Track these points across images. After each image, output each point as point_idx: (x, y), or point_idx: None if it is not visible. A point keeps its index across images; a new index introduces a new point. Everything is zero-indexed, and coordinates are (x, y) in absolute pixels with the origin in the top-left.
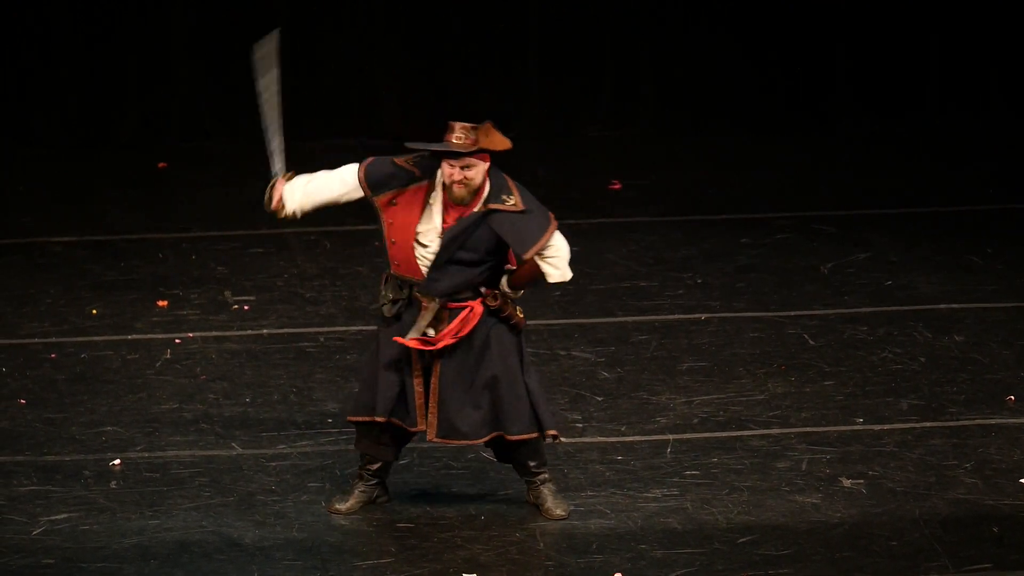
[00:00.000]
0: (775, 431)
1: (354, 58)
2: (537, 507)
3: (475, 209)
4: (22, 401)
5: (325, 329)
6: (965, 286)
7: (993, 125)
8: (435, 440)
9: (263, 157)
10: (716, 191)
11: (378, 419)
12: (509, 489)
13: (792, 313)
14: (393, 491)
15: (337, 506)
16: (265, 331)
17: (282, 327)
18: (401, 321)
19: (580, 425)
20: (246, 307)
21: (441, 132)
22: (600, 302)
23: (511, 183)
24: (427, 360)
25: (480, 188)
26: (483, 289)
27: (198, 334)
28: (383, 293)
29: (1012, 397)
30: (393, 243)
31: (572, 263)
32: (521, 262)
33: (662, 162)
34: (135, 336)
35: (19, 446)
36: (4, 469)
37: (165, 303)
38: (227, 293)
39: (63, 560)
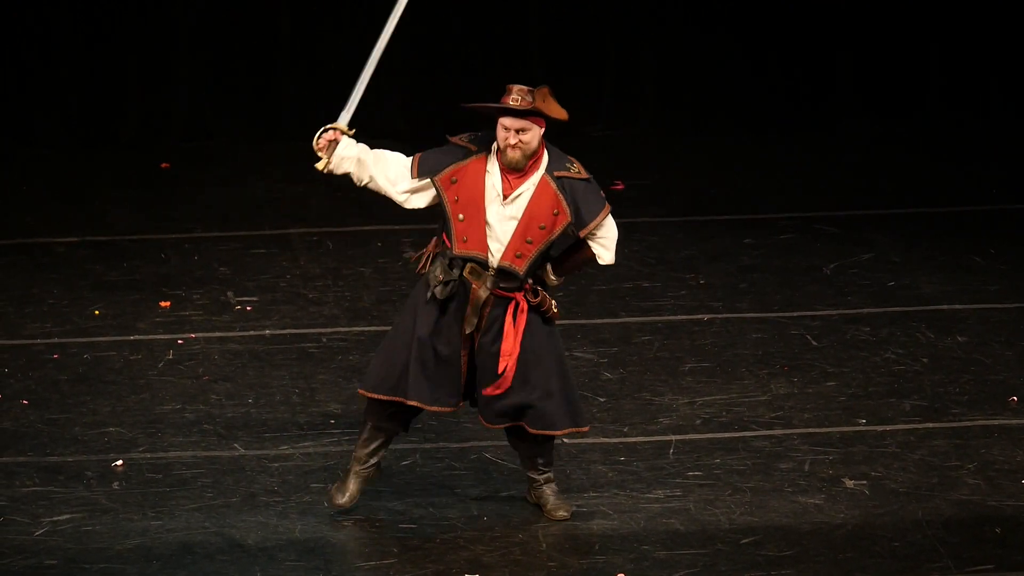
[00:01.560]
0: (778, 432)
1: (355, 58)
2: (539, 507)
3: (537, 173)
4: (24, 402)
5: (328, 330)
6: (968, 287)
7: (995, 125)
8: (464, 404)
9: (265, 157)
10: (718, 191)
11: (409, 402)
12: (512, 490)
13: (795, 314)
14: (396, 492)
15: (339, 500)
16: (268, 332)
17: (285, 328)
18: (450, 303)
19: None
20: (248, 308)
21: (498, 95)
22: (603, 303)
23: (568, 156)
24: (472, 344)
25: (536, 154)
26: (528, 282)
27: (201, 335)
28: (433, 274)
29: (1015, 398)
30: (461, 219)
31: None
32: (577, 239)
33: (664, 162)
34: (137, 337)
35: (22, 447)
36: (7, 470)
37: (167, 304)
38: (229, 294)
39: (65, 561)
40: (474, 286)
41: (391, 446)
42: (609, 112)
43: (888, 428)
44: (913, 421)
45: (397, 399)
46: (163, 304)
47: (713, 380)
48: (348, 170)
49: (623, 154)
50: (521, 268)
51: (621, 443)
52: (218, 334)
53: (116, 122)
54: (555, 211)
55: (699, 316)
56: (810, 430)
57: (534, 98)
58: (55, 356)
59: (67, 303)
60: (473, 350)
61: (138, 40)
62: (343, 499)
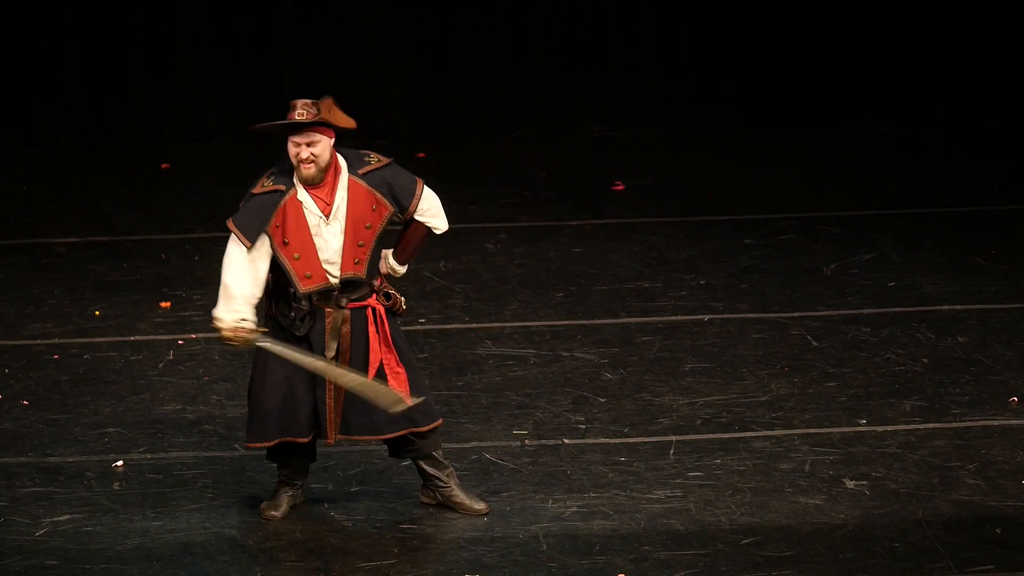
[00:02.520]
0: (778, 432)
1: (358, 58)
2: (453, 508)
3: (343, 179)
4: (25, 402)
5: None
6: (969, 287)
7: (997, 126)
8: (341, 437)
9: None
10: (719, 192)
11: (271, 443)
12: (513, 490)
13: (795, 314)
14: (396, 492)
15: (271, 512)
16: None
17: None
18: (305, 337)
19: (583, 426)
20: None
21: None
22: (603, 303)
23: (361, 151)
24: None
25: (331, 164)
26: (375, 283)
27: (201, 335)
28: (282, 315)
29: (1015, 399)
30: (297, 258)
31: (575, 264)
32: (407, 221)
33: (665, 163)
34: (138, 337)
35: (22, 447)
36: (7, 470)
37: (168, 304)
38: None
39: (66, 561)
40: (327, 311)
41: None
42: (610, 113)
43: (888, 428)
44: (914, 421)
45: (287, 440)
46: (163, 304)
47: (713, 380)
48: (257, 294)
49: (624, 154)
50: (362, 272)
51: (622, 443)
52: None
53: (117, 123)
54: (373, 206)
55: (700, 316)
56: (811, 431)
57: (319, 110)
58: (56, 356)
59: (68, 303)
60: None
61: (140, 41)
62: (276, 513)
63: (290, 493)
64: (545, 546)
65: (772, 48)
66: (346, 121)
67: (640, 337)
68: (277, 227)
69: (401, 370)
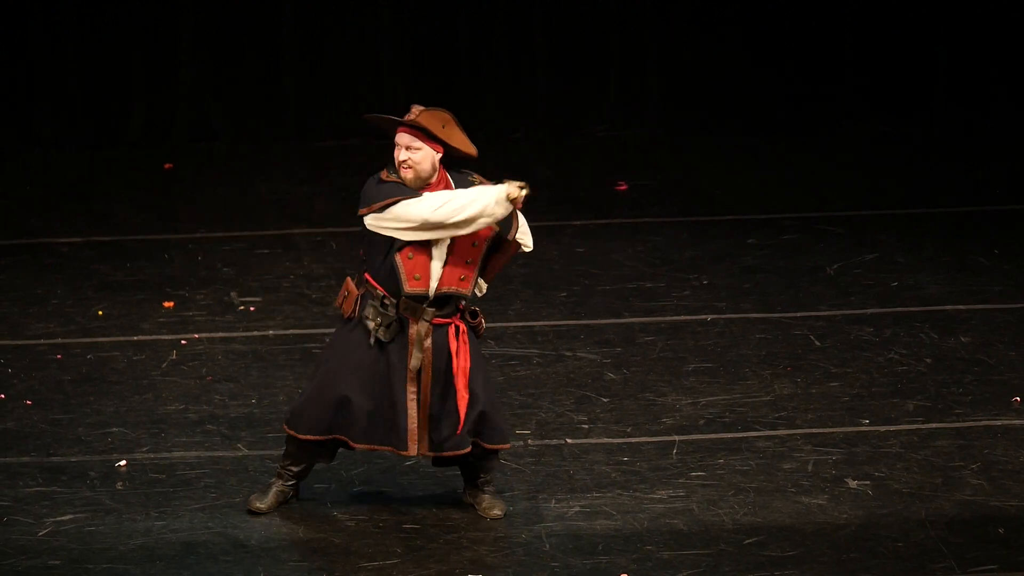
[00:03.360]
0: (781, 432)
1: (360, 58)
2: (473, 506)
3: None
4: (28, 402)
5: (331, 330)
6: (972, 287)
7: (1000, 126)
8: (427, 454)
9: (269, 158)
10: (722, 192)
11: (354, 445)
12: (515, 490)
13: (798, 314)
14: (399, 492)
15: (257, 504)
16: (271, 332)
17: (288, 328)
18: (387, 344)
19: (586, 426)
20: (252, 308)
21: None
22: (606, 303)
23: (464, 171)
24: (417, 380)
25: (436, 179)
26: (460, 304)
27: (204, 335)
28: (367, 318)
29: (1018, 398)
30: (410, 258)
31: (578, 264)
32: (509, 239)
33: (668, 163)
34: (141, 337)
35: (25, 447)
36: (10, 470)
37: (171, 304)
38: (233, 294)
39: (69, 561)
40: (411, 322)
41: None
42: (613, 113)
43: (891, 428)
44: (916, 421)
45: (335, 437)
46: (167, 304)
47: (716, 380)
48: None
49: (627, 155)
50: (467, 289)
51: (624, 443)
52: (222, 334)
53: (120, 123)
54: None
55: (703, 316)
56: (813, 430)
57: (433, 122)
58: (59, 356)
59: (71, 303)
60: (420, 388)
61: (142, 41)
62: (261, 505)
63: (283, 489)
64: (548, 546)
65: (774, 48)
66: (462, 143)
67: (643, 337)
68: None
69: (466, 394)
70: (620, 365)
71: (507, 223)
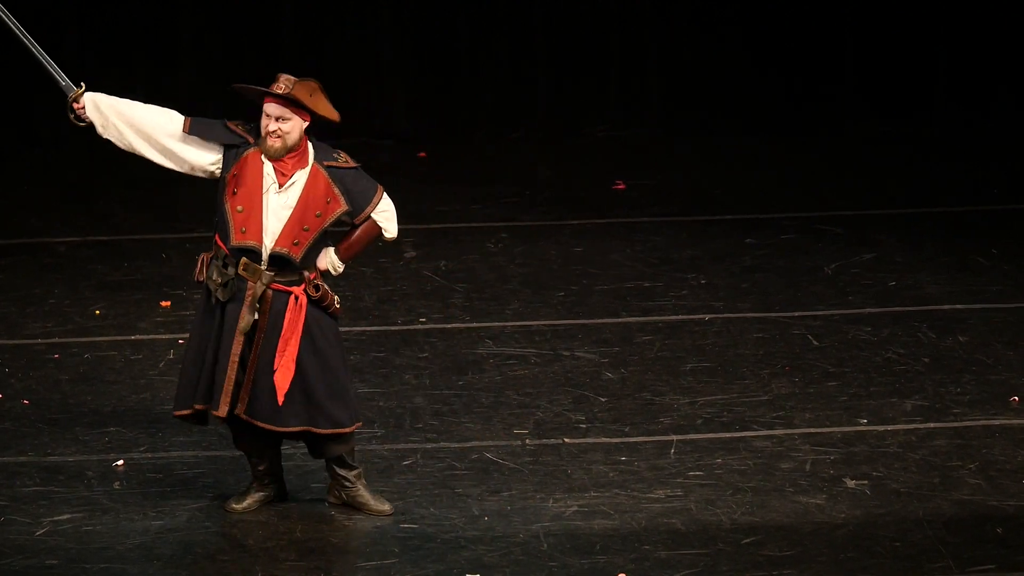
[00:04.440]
0: (779, 432)
1: (360, 58)
2: (358, 508)
3: (308, 163)
4: (26, 401)
5: None
6: (970, 287)
7: (999, 126)
8: (242, 416)
9: None
10: (721, 191)
11: (187, 411)
12: (513, 489)
13: (796, 314)
14: (397, 491)
15: (233, 505)
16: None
17: None
18: (228, 306)
19: (584, 426)
20: None
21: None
22: (604, 302)
23: (331, 147)
24: (245, 346)
25: (300, 148)
26: (307, 273)
27: None
28: (210, 279)
29: (1016, 398)
30: (240, 211)
31: (576, 264)
32: (357, 222)
33: (667, 162)
34: (139, 336)
35: (23, 446)
36: (8, 469)
37: (168, 303)
38: None
39: (66, 561)
40: (249, 283)
41: (392, 445)
42: (613, 113)
43: (889, 428)
44: (914, 421)
45: (195, 409)
46: (164, 304)
47: (714, 380)
48: (126, 130)
49: (626, 154)
50: (298, 254)
51: (622, 443)
52: None
53: None
54: (328, 199)
55: (700, 316)
56: (811, 430)
57: (303, 93)
58: (56, 356)
59: (68, 303)
60: (251, 351)
61: (140, 40)
62: (238, 506)
63: (260, 493)
64: (546, 545)
65: (774, 48)
66: (328, 111)
67: (641, 336)
68: (234, 176)
69: (291, 367)
70: (618, 365)
71: (358, 205)
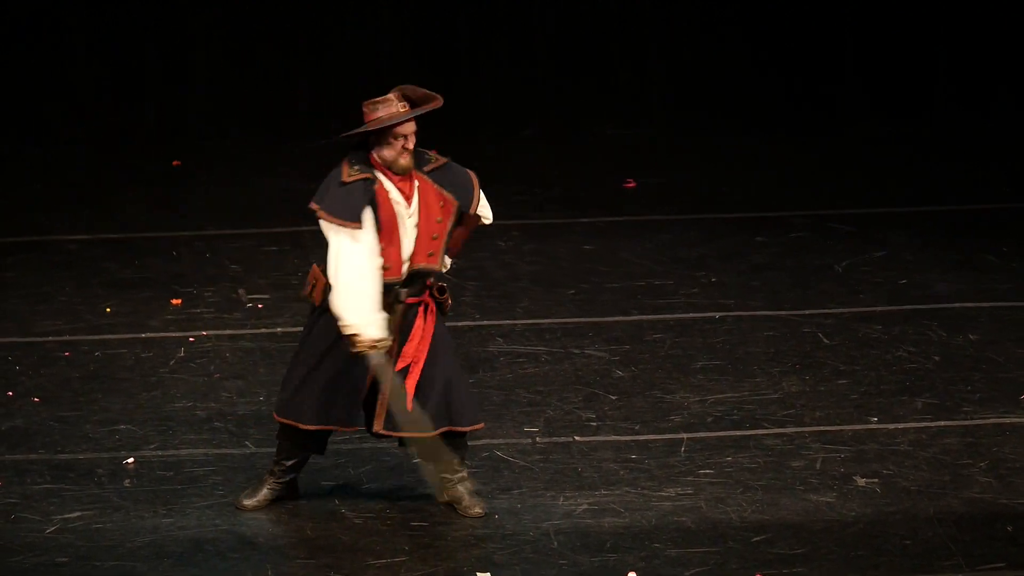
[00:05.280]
0: (789, 430)
1: (364, 58)
2: (453, 507)
3: (416, 179)
4: (36, 399)
5: None
6: (980, 285)
7: (1007, 124)
8: (381, 432)
9: (278, 155)
10: (731, 190)
11: (327, 428)
12: (523, 487)
13: (807, 312)
14: (407, 489)
15: (244, 502)
16: (279, 329)
17: (296, 325)
18: None
19: (594, 423)
20: (260, 305)
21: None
22: (615, 301)
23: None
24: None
25: None
26: (428, 280)
27: (212, 332)
28: None
29: None
30: (383, 248)
31: (586, 262)
32: (463, 218)
33: (677, 161)
34: (149, 334)
35: (33, 444)
36: (18, 467)
37: (179, 301)
38: (241, 291)
39: (77, 558)
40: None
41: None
42: (622, 111)
43: (900, 426)
44: (925, 419)
45: (335, 428)
46: (175, 302)
47: (725, 378)
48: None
49: (636, 153)
50: (436, 264)
51: (633, 441)
52: (229, 331)
53: (129, 121)
54: (441, 202)
55: (711, 314)
56: (822, 428)
57: (412, 101)
58: (67, 354)
59: (79, 301)
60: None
61: (154, 39)
62: (249, 502)
63: (274, 487)
64: (556, 543)
65: (782, 48)
66: (436, 101)
67: (651, 334)
68: (373, 216)
69: (417, 371)
70: (628, 363)
71: (467, 198)
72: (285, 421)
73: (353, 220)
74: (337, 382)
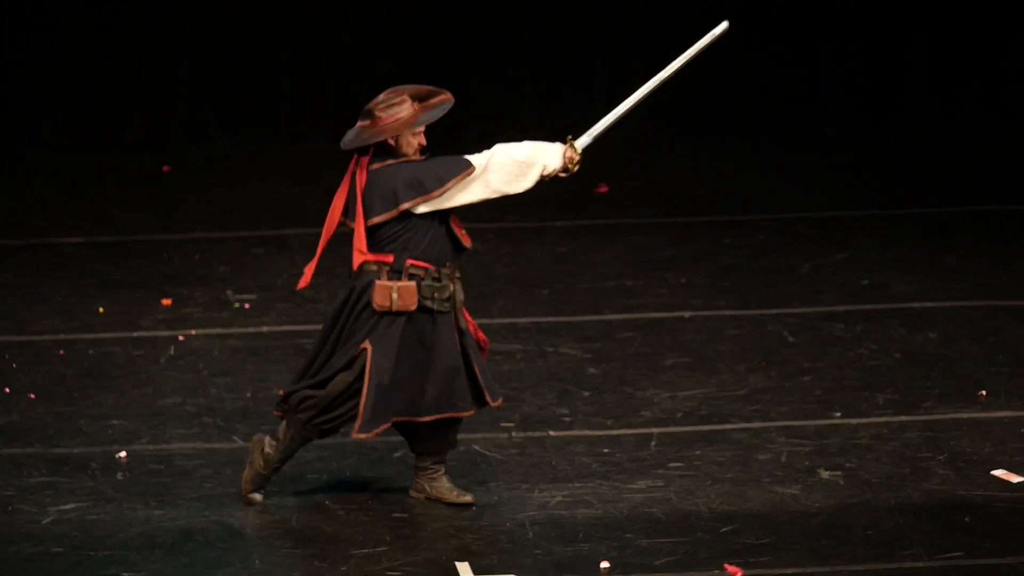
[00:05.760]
0: (756, 424)
1: (350, 64)
2: (439, 500)
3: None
4: (32, 395)
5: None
6: (939, 285)
7: (967, 131)
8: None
9: (264, 160)
10: (700, 193)
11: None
12: (500, 480)
13: (772, 311)
14: (388, 483)
15: (252, 496)
16: (266, 328)
17: (282, 324)
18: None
19: (568, 419)
20: (247, 305)
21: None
22: (587, 301)
23: None
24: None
25: None
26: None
27: (201, 331)
28: (427, 298)
29: (983, 392)
30: (456, 222)
31: (560, 264)
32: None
33: (647, 165)
34: (141, 333)
35: (29, 439)
36: (15, 461)
37: (169, 301)
38: (229, 292)
39: (71, 548)
40: (451, 284)
41: (384, 438)
42: (596, 119)
43: (862, 421)
44: (886, 414)
45: (397, 421)
46: (165, 302)
47: (693, 375)
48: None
49: (608, 158)
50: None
51: (605, 435)
52: (218, 330)
53: (120, 126)
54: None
55: (680, 313)
56: (787, 423)
57: (419, 97)
58: (61, 352)
59: (73, 301)
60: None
61: (140, 47)
62: (258, 496)
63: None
64: (531, 534)
65: (749, 55)
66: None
67: (622, 333)
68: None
69: (482, 335)
70: (600, 360)
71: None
72: (361, 436)
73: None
74: (413, 376)
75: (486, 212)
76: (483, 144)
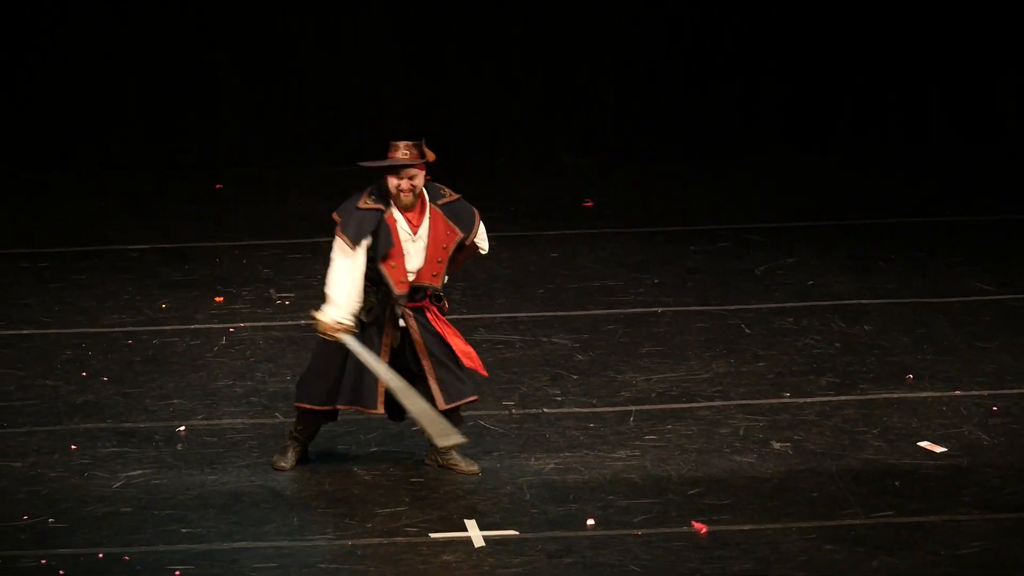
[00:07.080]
0: (718, 403)
1: (367, 100)
2: (450, 468)
3: (427, 206)
4: (105, 378)
5: None
6: (872, 285)
7: (896, 150)
8: (446, 407)
9: (299, 179)
10: (668, 207)
11: (338, 408)
12: (502, 450)
13: (731, 307)
14: (407, 452)
15: (282, 464)
16: (303, 322)
17: None
18: (370, 324)
19: (559, 398)
20: (287, 302)
21: (385, 151)
22: (575, 298)
23: (435, 184)
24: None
25: (421, 192)
26: (428, 292)
27: (248, 324)
28: (367, 308)
29: (911, 376)
30: (394, 267)
31: (552, 267)
32: (464, 246)
33: (625, 183)
34: (197, 326)
35: (102, 415)
36: (90, 434)
37: (221, 299)
38: (272, 291)
39: (138, 508)
40: (400, 310)
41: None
42: (578, 144)
43: (808, 400)
44: (828, 395)
45: (336, 407)
46: (217, 299)
47: (665, 361)
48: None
49: (591, 178)
50: (439, 283)
51: (591, 412)
52: (262, 324)
53: (179, 150)
54: (447, 231)
55: (654, 309)
56: (744, 402)
57: (419, 151)
58: (129, 341)
59: (139, 298)
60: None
61: (197, 83)
62: (287, 464)
63: (298, 448)
64: (529, 496)
65: (708, 88)
66: (431, 156)
67: (606, 326)
68: (375, 241)
69: (470, 349)
70: (587, 349)
71: (468, 229)
72: (299, 406)
73: (355, 242)
74: (341, 371)
75: (490, 225)
76: (475, 169)
